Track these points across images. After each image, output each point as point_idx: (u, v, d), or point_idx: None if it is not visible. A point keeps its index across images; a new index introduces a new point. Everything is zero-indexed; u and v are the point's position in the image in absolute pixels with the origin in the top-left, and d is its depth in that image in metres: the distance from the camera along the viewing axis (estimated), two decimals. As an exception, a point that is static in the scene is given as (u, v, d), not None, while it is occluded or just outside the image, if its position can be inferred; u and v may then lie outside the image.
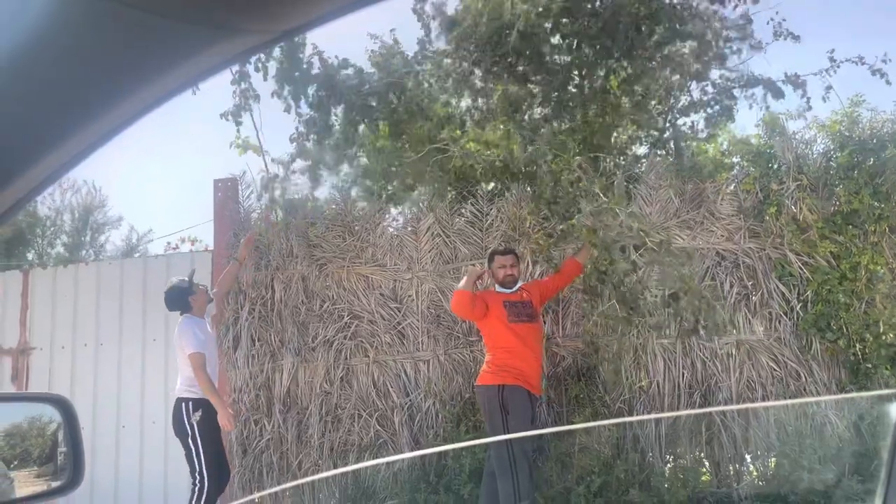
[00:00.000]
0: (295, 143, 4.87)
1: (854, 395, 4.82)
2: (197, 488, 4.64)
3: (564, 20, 4.44)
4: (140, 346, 6.50)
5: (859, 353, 4.95)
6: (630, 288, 4.28)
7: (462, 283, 4.54)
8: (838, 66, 5.20)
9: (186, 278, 4.94)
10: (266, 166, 5.58)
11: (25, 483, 1.71)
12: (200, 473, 4.64)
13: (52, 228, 18.96)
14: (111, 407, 6.42)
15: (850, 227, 5.07)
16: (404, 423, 5.65)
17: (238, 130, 5.36)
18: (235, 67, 5.12)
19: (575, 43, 4.57)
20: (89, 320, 6.67)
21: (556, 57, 4.66)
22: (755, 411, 5.02)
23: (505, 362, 4.37)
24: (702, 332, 4.08)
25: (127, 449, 6.36)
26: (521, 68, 4.52)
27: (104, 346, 6.60)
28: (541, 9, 4.10)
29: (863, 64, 5.00)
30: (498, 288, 4.63)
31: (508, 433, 4.20)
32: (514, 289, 4.59)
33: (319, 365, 5.87)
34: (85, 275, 6.87)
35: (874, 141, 5.07)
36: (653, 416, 5.15)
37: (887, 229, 5.04)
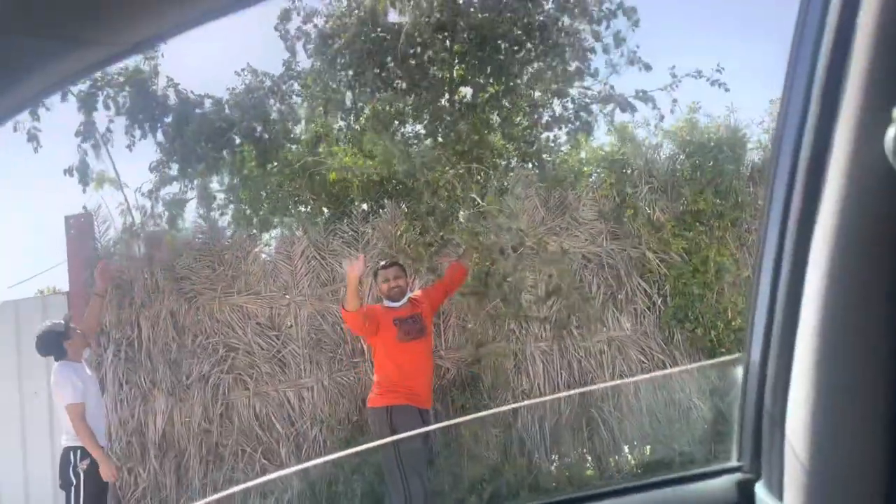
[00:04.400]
0: (155, 173, 4.66)
1: (701, 363, 5.25)
2: None
3: (440, 35, 4.56)
4: (18, 400, 5.92)
5: (714, 339, 5.37)
6: (514, 286, 4.41)
7: (347, 296, 4.29)
8: (679, 81, 5.64)
9: (62, 321, 4.64)
10: (126, 199, 5.28)
11: None
12: None
13: None
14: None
15: (698, 224, 5.52)
16: (291, 453, 5.49)
17: (84, 190, 5.04)
18: (80, 118, 4.82)
19: (449, 58, 4.70)
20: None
21: (431, 71, 4.77)
22: (629, 404, 5.32)
23: (393, 382, 4.34)
24: (575, 325, 4.27)
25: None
26: (396, 83, 4.59)
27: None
28: (423, 18, 4.21)
29: (700, 77, 5.46)
30: (386, 302, 4.52)
31: (400, 456, 4.19)
32: (403, 302, 4.51)
33: (196, 403, 5.58)
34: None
35: (712, 144, 5.55)
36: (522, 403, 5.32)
37: (729, 224, 5.54)
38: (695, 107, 5.73)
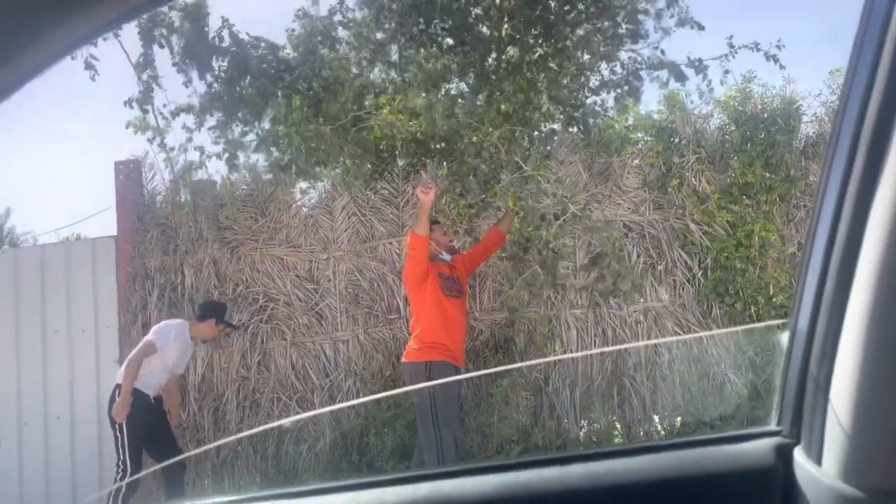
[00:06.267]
0: (197, 120, 4.70)
1: (744, 327, 5.17)
2: (118, 478, 4.62)
3: None
4: (40, 338, 6.15)
5: (754, 314, 5.29)
6: (555, 253, 4.37)
7: (420, 221, 4.25)
8: (736, 52, 5.43)
9: (229, 317, 5.23)
10: (166, 147, 5.34)
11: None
12: (123, 462, 4.60)
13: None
14: (11, 404, 6.06)
15: (745, 197, 5.39)
16: (325, 404, 5.62)
17: (145, 118, 5.07)
18: (139, 51, 4.83)
19: (497, 16, 4.61)
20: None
21: (478, 28, 4.70)
22: (662, 375, 5.30)
23: (433, 338, 4.36)
24: (621, 293, 4.23)
25: (30, 447, 6.04)
26: (441, 39, 4.53)
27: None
28: None
29: (758, 50, 5.24)
30: (444, 255, 4.60)
31: (435, 409, 4.25)
32: (449, 259, 4.61)
33: (235, 350, 5.75)
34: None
35: (765, 116, 5.39)
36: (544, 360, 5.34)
37: (777, 199, 5.40)
38: (749, 76, 5.55)
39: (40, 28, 0.59)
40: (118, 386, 4.70)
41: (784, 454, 0.91)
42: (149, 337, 4.81)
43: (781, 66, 5.07)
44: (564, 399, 5.36)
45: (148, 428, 4.74)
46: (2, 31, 0.58)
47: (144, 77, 4.71)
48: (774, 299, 5.27)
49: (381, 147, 5.03)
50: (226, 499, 1.15)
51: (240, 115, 4.63)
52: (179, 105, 4.78)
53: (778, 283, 5.29)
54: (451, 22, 4.46)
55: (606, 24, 4.89)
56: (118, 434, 4.64)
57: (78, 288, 6.10)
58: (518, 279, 5.00)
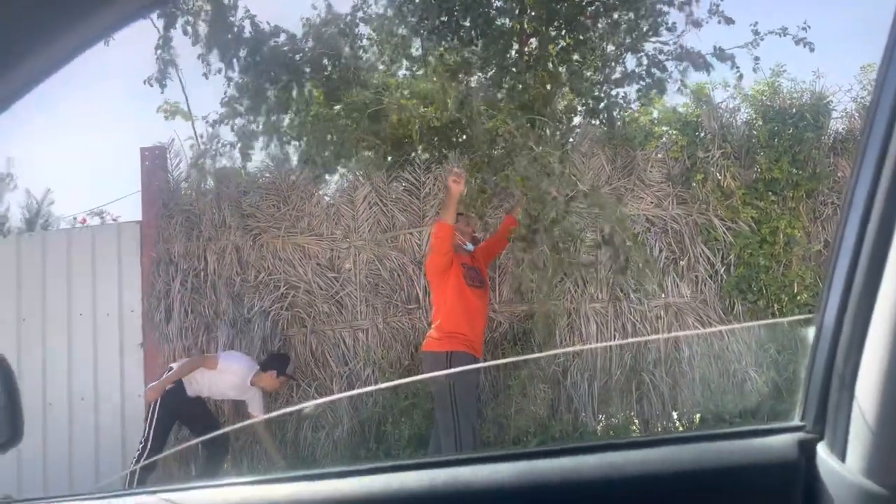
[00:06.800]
0: (226, 108, 4.75)
1: (770, 321, 5.11)
2: (137, 453, 4.93)
3: None
4: (66, 321, 6.26)
5: (777, 312, 5.23)
6: (564, 231, 4.33)
7: (449, 210, 4.26)
8: (762, 39, 5.36)
9: (291, 370, 5.40)
10: (195, 132, 5.41)
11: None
12: (145, 439, 4.92)
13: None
14: (36, 384, 6.17)
15: (770, 193, 5.32)
16: (343, 391, 5.66)
17: (163, 91, 5.15)
18: (159, 33, 4.91)
19: (519, 8, 4.60)
20: (9, 295, 6.36)
21: (500, 20, 4.69)
22: (682, 371, 5.26)
23: (454, 327, 4.35)
24: (634, 269, 4.20)
25: (55, 428, 6.15)
26: (463, 33, 4.53)
27: (27, 322, 6.32)
28: None
29: (786, 35, 5.16)
30: (468, 245, 4.61)
31: (455, 398, 4.26)
32: (473, 250, 4.61)
33: (256, 336, 5.80)
34: (3, 249, 6.54)
35: (793, 111, 5.31)
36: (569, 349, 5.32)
37: (804, 195, 5.32)
38: (778, 70, 5.47)
39: (41, 31, 0.59)
40: (170, 368, 5.09)
41: (807, 449, 0.90)
42: (217, 354, 5.20)
43: (811, 49, 4.97)
44: (582, 392, 5.34)
45: (180, 414, 5.10)
46: (2, 35, 0.58)
47: (161, 56, 4.77)
48: (798, 297, 5.20)
49: (400, 135, 5.03)
50: (245, 479, 1.17)
51: (262, 106, 4.68)
52: (222, 114, 4.87)
53: (802, 281, 5.22)
54: (472, 15, 4.45)
55: (629, 16, 4.86)
56: (150, 413, 4.98)
57: (103, 272, 6.19)
58: (525, 260, 4.95)
